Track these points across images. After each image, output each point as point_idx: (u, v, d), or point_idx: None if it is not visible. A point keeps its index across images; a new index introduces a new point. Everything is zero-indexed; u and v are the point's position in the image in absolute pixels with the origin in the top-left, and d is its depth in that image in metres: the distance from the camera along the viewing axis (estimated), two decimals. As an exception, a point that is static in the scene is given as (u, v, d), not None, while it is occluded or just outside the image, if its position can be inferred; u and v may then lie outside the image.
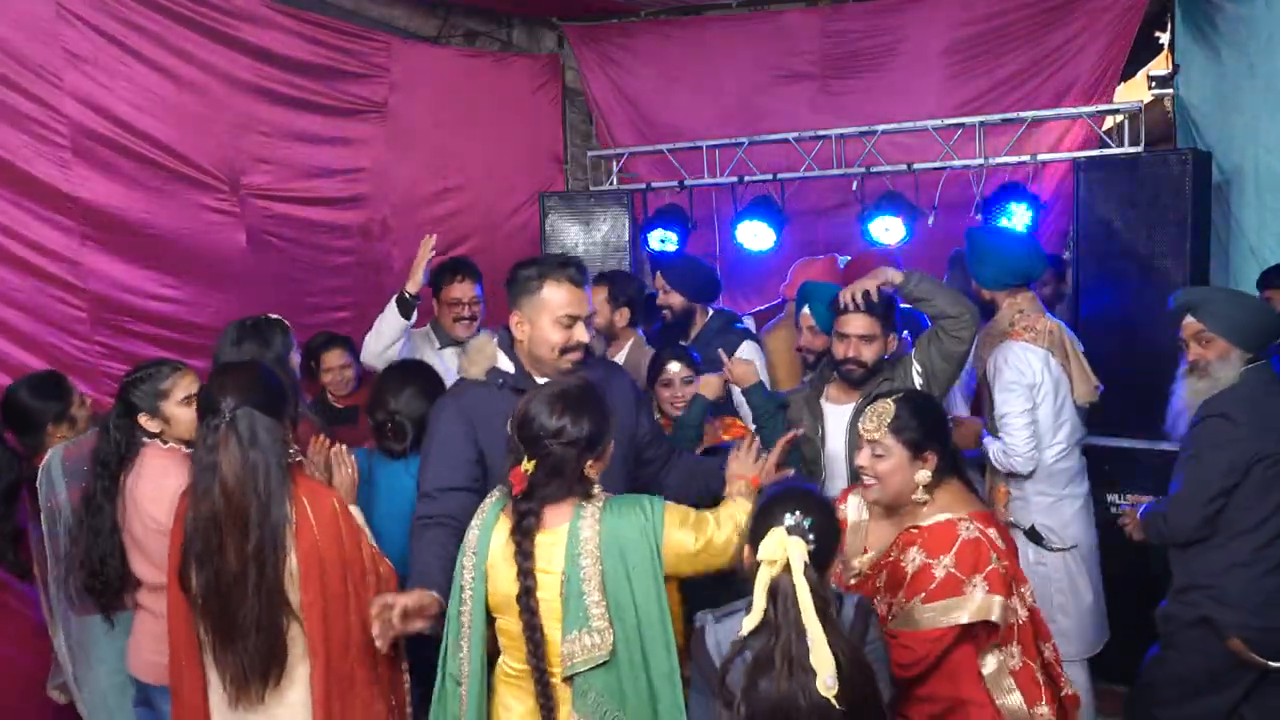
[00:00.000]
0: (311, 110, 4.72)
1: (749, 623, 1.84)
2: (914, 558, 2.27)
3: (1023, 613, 2.27)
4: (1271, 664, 2.75)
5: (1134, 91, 5.49)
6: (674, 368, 3.46)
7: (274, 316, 3.09)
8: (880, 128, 4.99)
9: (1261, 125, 4.31)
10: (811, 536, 1.85)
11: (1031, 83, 5.21)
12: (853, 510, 2.52)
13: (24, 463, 3.07)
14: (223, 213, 4.29)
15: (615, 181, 5.66)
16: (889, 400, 2.35)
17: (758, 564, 1.86)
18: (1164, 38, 5.11)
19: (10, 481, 3.02)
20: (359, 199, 4.97)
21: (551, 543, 2.13)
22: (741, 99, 5.76)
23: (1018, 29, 5.20)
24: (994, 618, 2.17)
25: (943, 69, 5.37)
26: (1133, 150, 4.50)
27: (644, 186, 5.56)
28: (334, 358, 4.14)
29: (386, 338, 3.76)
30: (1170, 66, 4.89)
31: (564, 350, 2.53)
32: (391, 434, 2.98)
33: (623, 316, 4.02)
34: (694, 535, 2.19)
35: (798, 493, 1.98)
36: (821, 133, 5.15)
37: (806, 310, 3.58)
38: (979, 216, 4.67)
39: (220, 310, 4.07)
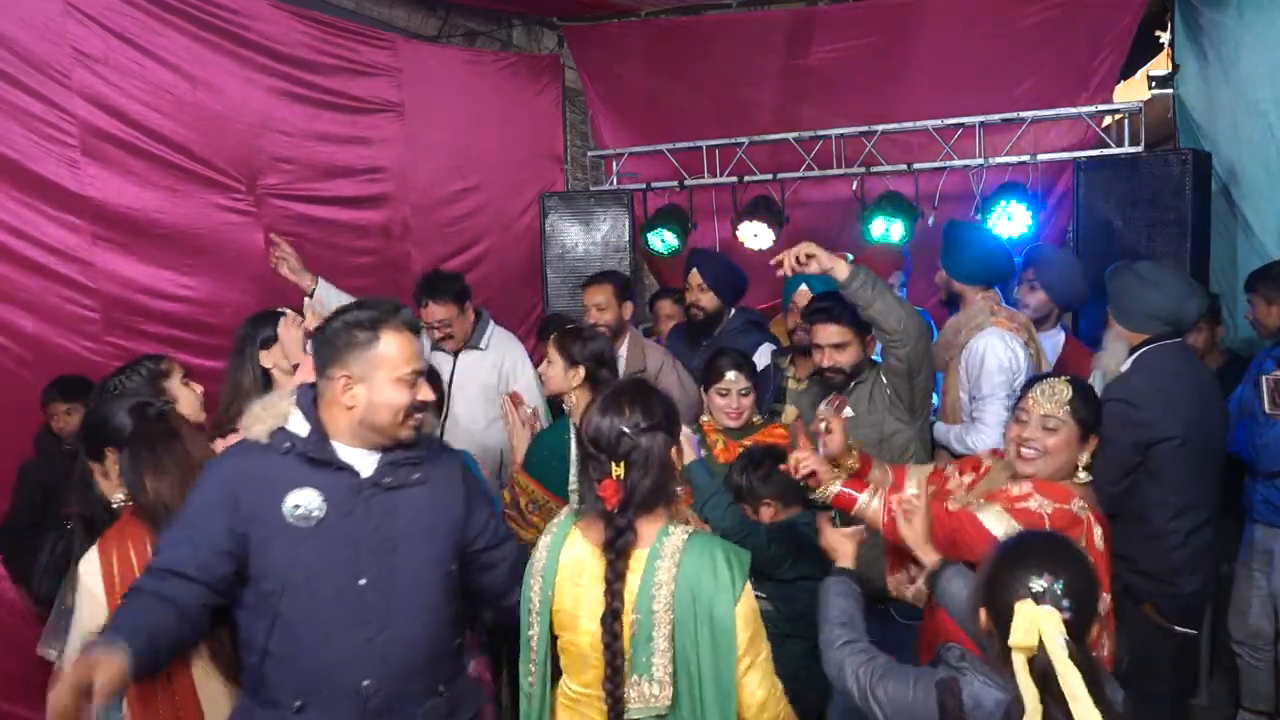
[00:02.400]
0: (328, 109, 4.71)
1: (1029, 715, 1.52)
2: (1024, 489, 2.30)
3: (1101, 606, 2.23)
4: (1179, 629, 2.92)
5: (1134, 91, 5.49)
6: (731, 376, 3.16)
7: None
8: (880, 128, 5.00)
9: (1241, 127, 4.33)
10: (1066, 603, 1.56)
11: (1031, 83, 5.21)
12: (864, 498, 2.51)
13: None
14: (240, 212, 4.27)
15: (615, 181, 5.66)
16: (1062, 381, 2.41)
17: (1008, 648, 1.56)
18: (1164, 38, 5.10)
19: None
20: (380, 199, 4.96)
21: (631, 569, 1.98)
22: (741, 99, 5.76)
23: (1018, 29, 5.20)
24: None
25: (943, 69, 5.36)
26: (1133, 150, 4.51)
27: (644, 186, 5.56)
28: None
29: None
30: (1170, 66, 4.89)
31: (411, 412, 2.08)
32: None
33: (627, 311, 4.04)
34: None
35: (1040, 546, 1.67)
36: (821, 133, 5.16)
37: (804, 288, 3.58)
38: (979, 216, 4.68)
39: (238, 310, 4.01)
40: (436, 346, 3.98)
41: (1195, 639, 3.02)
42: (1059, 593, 1.55)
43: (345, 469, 2.04)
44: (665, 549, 1.97)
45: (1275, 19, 4.11)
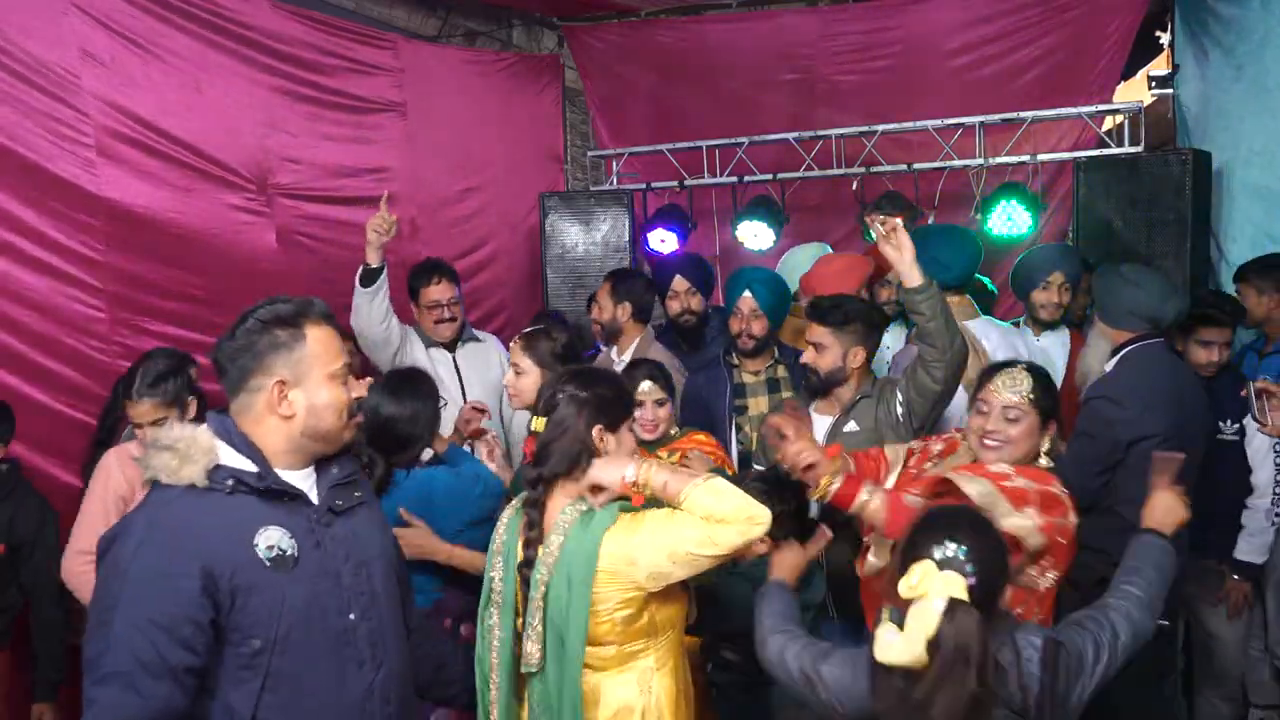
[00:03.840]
0: (333, 109, 4.71)
1: (896, 652, 1.60)
2: (1001, 467, 2.31)
3: (1044, 583, 2.25)
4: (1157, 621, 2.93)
5: (1134, 91, 5.49)
6: (646, 387, 3.03)
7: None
8: (880, 128, 5.00)
9: (1246, 127, 4.31)
10: (969, 568, 1.62)
11: (1031, 82, 5.21)
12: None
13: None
14: (252, 212, 4.26)
15: (615, 181, 5.66)
16: (1021, 369, 2.41)
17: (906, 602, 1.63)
18: (1164, 38, 5.11)
19: None
20: (388, 198, 4.96)
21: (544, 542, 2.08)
22: (741, 99, 5.76)
23: (1018, 29, 5.21)
24: (1031, 543, 2.14)
25: (943, 69, 5.37)
26: (1133, 150, 4.51)
27: (644, 186, 5.56)
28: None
29: (361, 314, 3.77)
30: (1170, 66, 4.89)
31: (354, 411, 1.90)
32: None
33: (625, 311, 4.01)
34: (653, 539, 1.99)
35: (951, 515, 1.75)
36: (821, 133, 5.15)
37: (748, 294, 3.52)
38: (979, 216, 4.68)
39: None
40: (431, 343, 3.98)
41: (1170, 631, 3.06)
42: (961, 559, 1.62)
43: (299, 497, 1.83)
44: (566, 518, 2.05)
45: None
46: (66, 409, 3.60)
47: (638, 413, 3.07)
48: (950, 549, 1.64)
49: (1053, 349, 3.91)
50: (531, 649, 2.04)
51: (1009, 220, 4.57)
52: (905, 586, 1.62)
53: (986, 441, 2.40)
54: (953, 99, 5.17)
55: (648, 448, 3.10)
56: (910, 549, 1.69)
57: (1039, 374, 2.42)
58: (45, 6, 3.59)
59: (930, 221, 4.78)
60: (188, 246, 4.02)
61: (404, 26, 5.36)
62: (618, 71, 6.03)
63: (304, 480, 1.86)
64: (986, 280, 4.58)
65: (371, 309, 3.76)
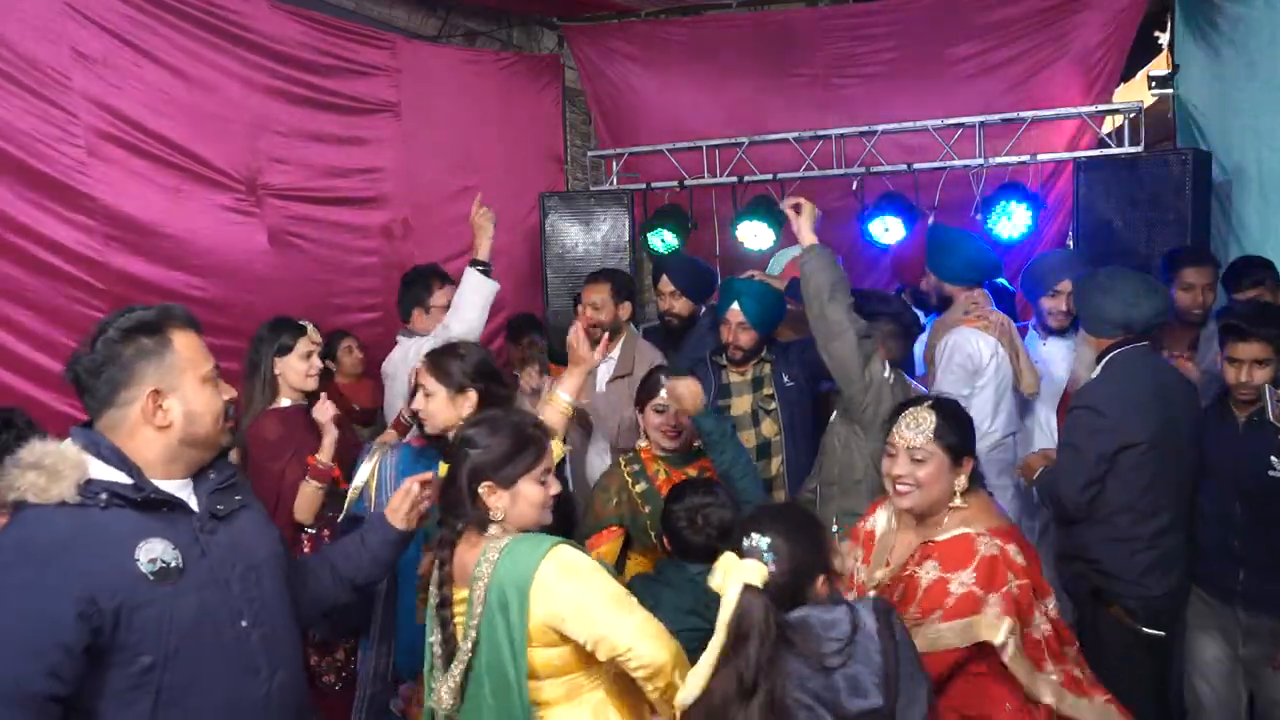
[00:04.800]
0: (327, 109, 4.70)
1: (712, 649, 1.74)
2: (929, 571, 2.24)
3: (1045, 628, 2.22)
4: (1147, 630, 2.94)
5: (1134, 91, 5.49)
6: (664, 395, 2.93)
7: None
8: (880, 128, 5.00)
9: (1263, 124, 4.30)
10: (769, 557, 1.80)
11: (1031, 82, 5.21)
12: (881, 523, 2.50)
13: None
14: (242, 213, 4.25)
15: (615, 181, 5.66)
16: (925, 408, 2.33)
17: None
18: (1164, 38, 5.10)
19: None
20: (380, 199, 4.95)
21: (461, 598, 2.03)
22: (741, 99, 5.76)
23: (1018, 29, 5.20)
24: (996, 641, 2.11)
25: (943, 69, 5.37)
26: (1133, 150, 4.51)
27: (644, 186, 5.56)
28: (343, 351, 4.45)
29: (477, 306, 3.74)
30: (1170, 66, 4.89)
31: (228, 413, 1.85)
32: None
33: (625, 311, 4.03)
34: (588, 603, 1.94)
35: (765, 511, 1.93)
36: (821, 133, 5.15)
37: (735, 306, 3.50)
38: (978, 216, 4.68)
39: (245, 312, 4.03)
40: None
41: (1164, 641, 3.00)
42: (763, 549, 1.80)
43: (179, 506, 1.76)
44: (488, 555, 2.01)
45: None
46: (69, 409, 3.59)
47: (657, 419, 3.04)
48: (754, 539, 1.82)
49: (1053, 357, 3.89)
50: (446, 694, 2.02)
51: (1009, 220, 4.57)
52: (714, 580, 1.78)
53: (898, 487, 2.32)
54: (953, 99, 5.17)
55: (673, 463, 3.08)
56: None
57: (946, 410, 2.33)
58: (37, 6, 3.58)
59: (930, 222, 4.78)
60: (181, 247, 4.02)
61: (404, 26, 5.36)
62: (618, 71, 6.02)
63: (182, 489, 1.79)
64: (1004, 282, 4.57)
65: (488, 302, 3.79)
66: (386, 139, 5.01)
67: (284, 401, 3.33)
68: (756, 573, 1.75)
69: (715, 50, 5.78)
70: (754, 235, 5.14)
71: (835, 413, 3.21)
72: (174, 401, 1.75)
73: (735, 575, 1.76)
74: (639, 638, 1.92)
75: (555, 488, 2.12)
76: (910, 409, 2.36)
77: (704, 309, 4.24)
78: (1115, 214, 4.34)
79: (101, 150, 3.76)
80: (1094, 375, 3.07)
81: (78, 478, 1.66)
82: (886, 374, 3.03)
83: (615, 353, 3.97)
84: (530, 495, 2.07)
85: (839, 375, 3.00)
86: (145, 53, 3.92)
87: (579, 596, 1.94)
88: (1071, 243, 4.73)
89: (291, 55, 4.51)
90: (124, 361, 1.72)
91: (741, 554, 1.81)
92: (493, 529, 2.05)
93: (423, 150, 5.19)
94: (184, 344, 1.77)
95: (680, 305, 4.20)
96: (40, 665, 1.53)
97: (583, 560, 2.01)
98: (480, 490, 2.04)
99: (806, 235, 3.10)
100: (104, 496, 1.67)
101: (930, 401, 2.37)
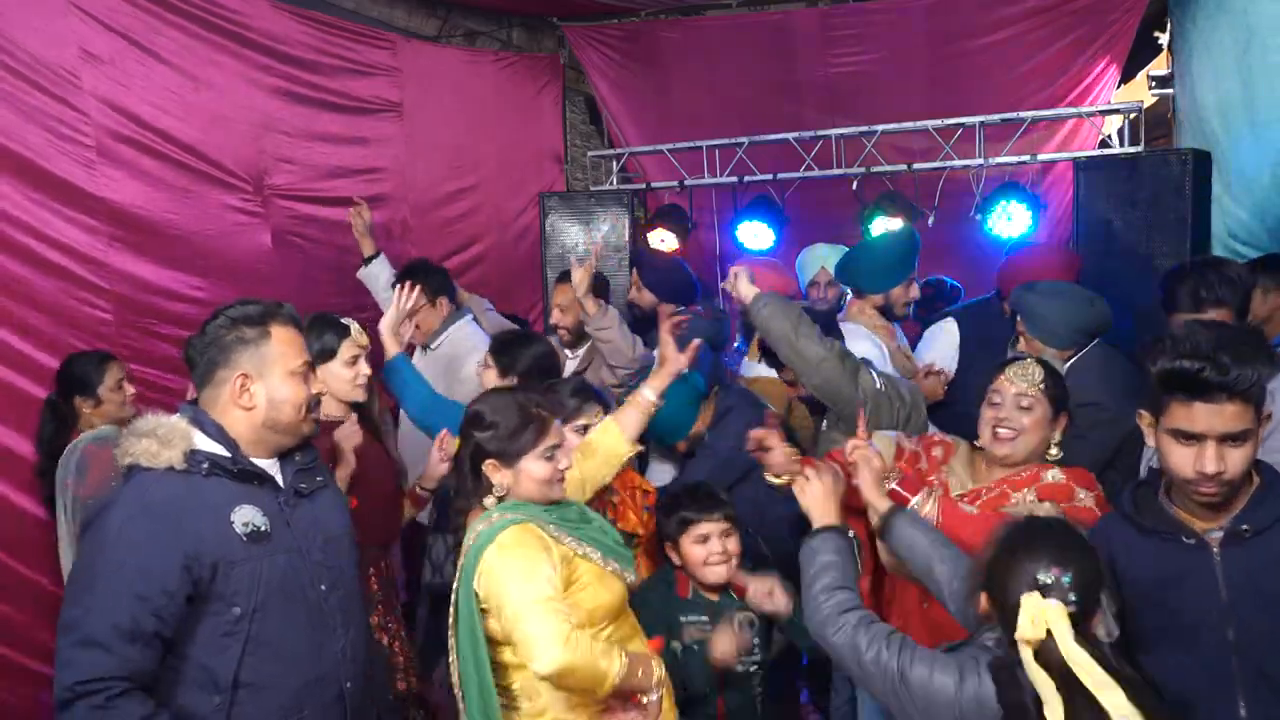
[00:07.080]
0: (329, 110, 4.70)
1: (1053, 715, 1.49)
2: (1053, 473, 2.32)
3: None
4: None
5: (1134, 91, 5.48)
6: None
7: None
8: (880, 128, 4.99)
9: (1262, 123, 4.29)
10: (1073, 596, 1.54)
11: (1031, 82, 5.20)
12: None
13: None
14: (248, 213, 4.26)
15: (615, 181, 5.66)
16: (1032, 361, 2.42)
17: (1014, 643, 1.55)
18: (1164, 38, 5.10)
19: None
20: (379, 199, 4.93)
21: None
22: (741, 99, 5.75)
23: (1017, 29, 5.20)
24: None
25: (943, 69, 5.37)
26: (1133, 150, 4.51)
27: (644, 186, 5.56)
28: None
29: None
30: (1170, 66, 4.88)
31: (311, 406, 2.04)
32: None
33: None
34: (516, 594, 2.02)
35: (1048, 536, 1.64)
36: (821, 133, 5.15)
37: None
38: (978, 216, 4.68)
39: None
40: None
41: None
42: (1065, 586, 1.54)
43: (268, 480, 1.99)
44: (474, 531, 2.14)
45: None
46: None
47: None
48: (1053, 574, 1.55)
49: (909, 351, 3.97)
50: (454, 668, 2.16)
51: (1009, 220, 4.57)
52: (1026, 628, 1.53)
53: (999, 431, 2.37)
54: (953, 99, 5.17)
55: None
56: (1004, 570, 1.61)
57: (1048, 366, 2.44)
58: (45, 6, 3.58)
59: (931, 222, 4.78)
60: (188, 247, 4.02)
61: (404, 26, 5.36)
62: (618, 71, 6.02)
63: (270, 467, 2.02)
64: (947, 279, 4.80)
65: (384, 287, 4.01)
66: (388, 139, 5.01)
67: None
68: (1064, 615, 1.52)
69: (715, 50, 5.78)
70: (754, 235, 5.14)
71: (825, 421, 3.18)
72: (259, 387, 1.96)
73: (1055, 623, 1.51)
74: (542, 647, 1.95)
75: (565, 463, 2.20)
76: (1015, 361, 2.44)
77: (722, 310, 4.38)
78: (1115, 214, 4.33)
79: (112, 150, 3.77)
80: (1069, 381, 3.04)
81: (185, 447, 1.90)
82: (878, 384, 2.97)
83: (581, 351, 4.02)
84: (534, 472, 2.16)
85: (832, 401, 2.97)
86: (152, 53, 3.93)
87: (501, 591, 2.04)
88: (1072, 243, 4.72)
89: (294, 55, 4.51)
90: (224, 345, 1.96)
91: (1043, 592, 1.55)
92: (488, 500, 2.17)
93: (422, 150, 5.19)
94: (281, 338, 2.00)
95: (643, 299, 4.38)
96: (151, 607, 1.77)
97: (517, 555, 2.05)
98: (484, 468, 2.16)
99: (747, 293, 3.02)
100: (205, 465, 1.91)
101: (1034, 358, 2.47)
